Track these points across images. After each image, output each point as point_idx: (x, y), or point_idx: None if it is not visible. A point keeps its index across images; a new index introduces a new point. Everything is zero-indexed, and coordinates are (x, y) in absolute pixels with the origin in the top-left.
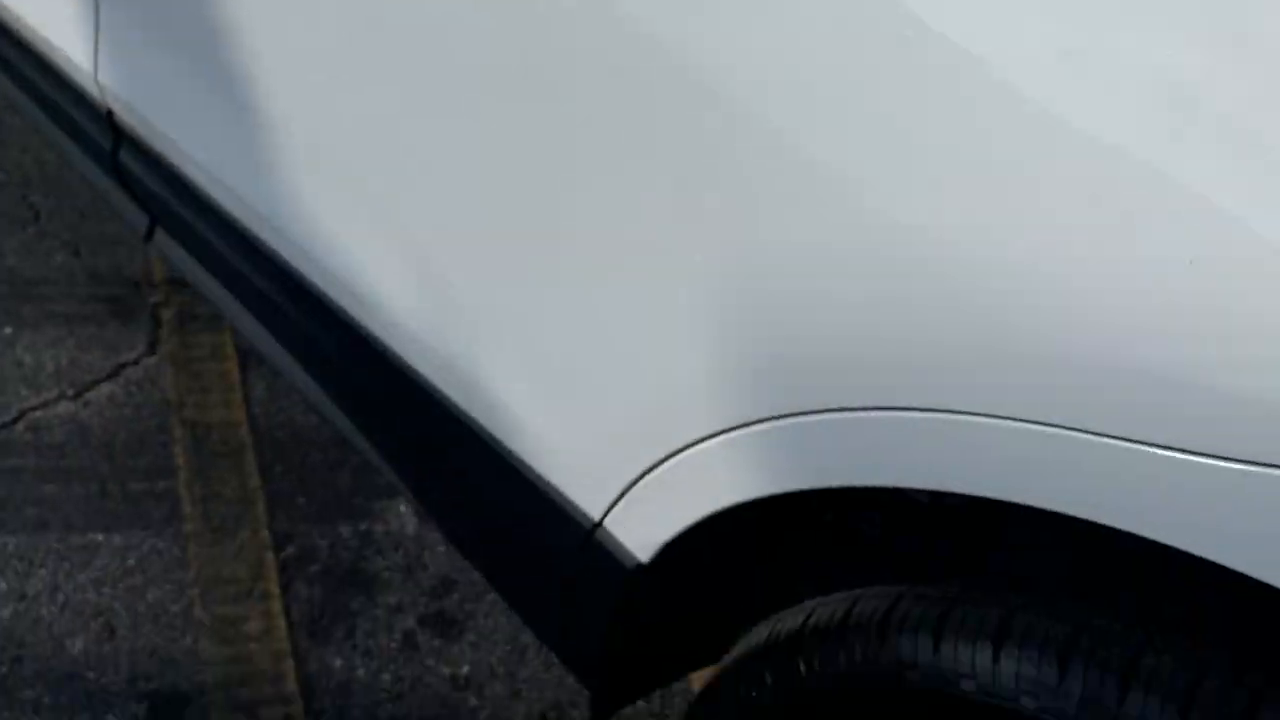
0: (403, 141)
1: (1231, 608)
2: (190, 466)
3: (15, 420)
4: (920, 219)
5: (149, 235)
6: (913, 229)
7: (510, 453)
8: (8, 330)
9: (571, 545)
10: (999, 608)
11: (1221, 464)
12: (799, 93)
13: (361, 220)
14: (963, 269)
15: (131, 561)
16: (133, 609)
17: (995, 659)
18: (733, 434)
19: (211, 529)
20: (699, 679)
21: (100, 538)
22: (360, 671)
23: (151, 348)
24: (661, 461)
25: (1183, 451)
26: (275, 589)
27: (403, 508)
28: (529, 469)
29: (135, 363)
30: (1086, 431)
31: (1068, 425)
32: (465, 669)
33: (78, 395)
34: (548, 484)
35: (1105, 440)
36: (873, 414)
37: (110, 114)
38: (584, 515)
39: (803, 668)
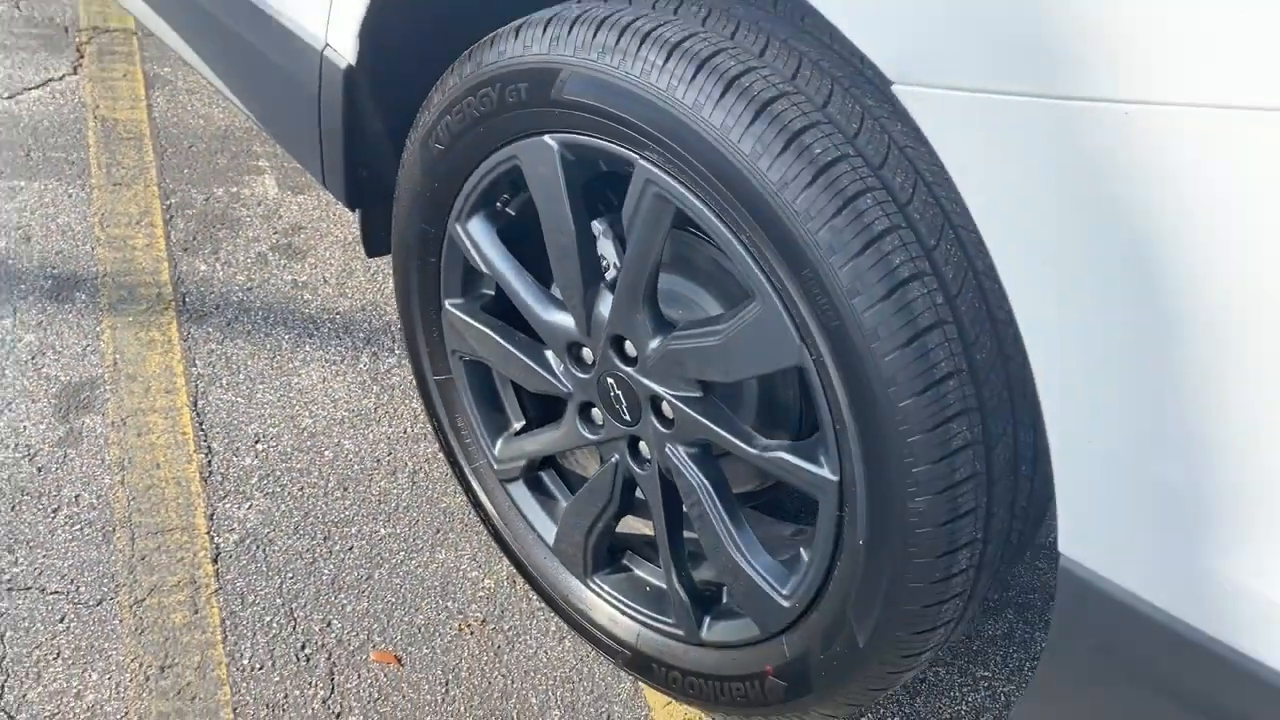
0: None
1: None
2: (99, 144)
3: None
4: None
5: None
6: None
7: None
8: None
9: (311, 68)
10: None
11: None
12: None
13: None
14: None
15: (48, 199)
16: (46, 227)
17: None
18: None
19: (112, 184)
20: None
21: (23, 184)
22: (220, 274)
23: (75, 69)
24: None
25: None
26: (159, 221)
27: (268, 179)
28: (278, 15)
29: (60, 79)
30: None
31: None
32: (304, 278)
33: (11, 97)
34: (292, 25)
35: None
36: None
37: None
38: (316, 39)
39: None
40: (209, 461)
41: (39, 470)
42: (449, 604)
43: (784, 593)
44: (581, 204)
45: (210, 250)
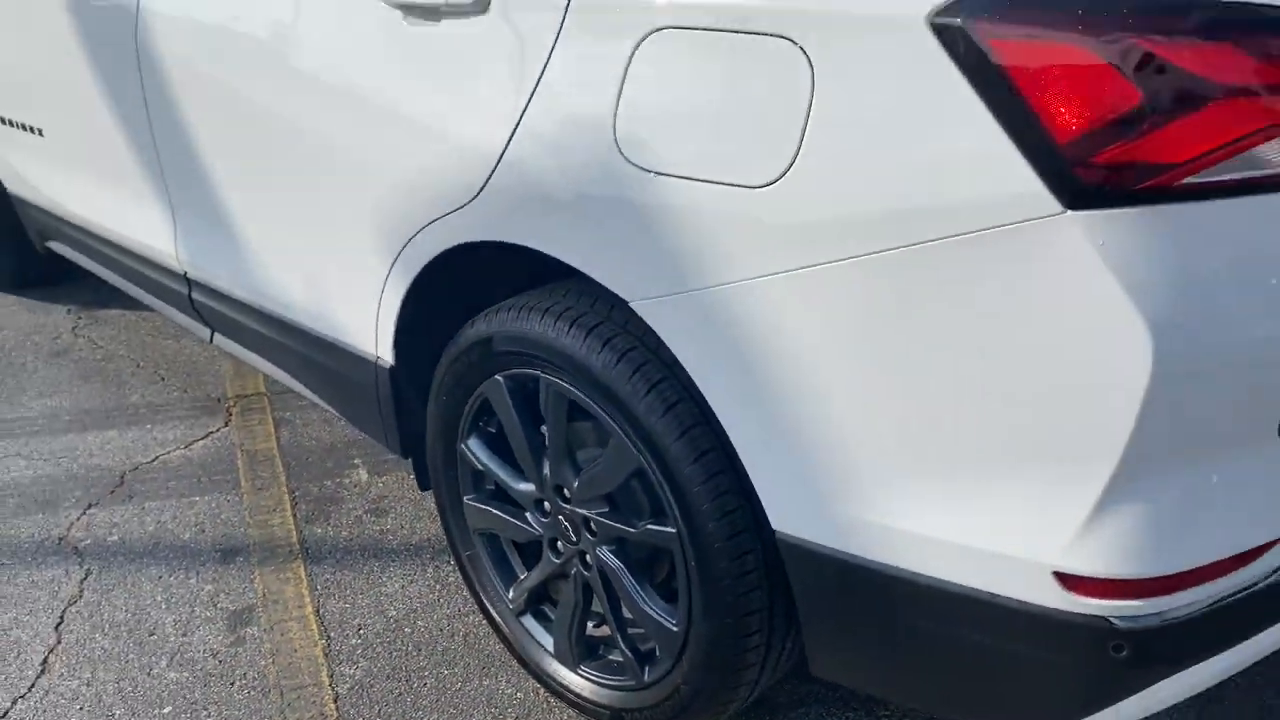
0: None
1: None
2: (245, 466)
3: (153, 460)
4: None
5: (211, 338)
6: None
7: (336, 340)
8: (151, 427)
9: (370, 372)
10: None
11: None
12: None
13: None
14: None
15: (214, 505)
16: (214, 520)
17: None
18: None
19: (255, 489)
20: None
21: (197, 499)
22: (331, 533)
23: (226, 423)
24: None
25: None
26: (289, 507)
27: (361, 470)
28: (345, 345)
29: (217, 431)
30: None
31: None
32: (388, 526)
33: (188, 446)
34: (358, 350)
35: None
36: None
37: (186, 273)
38: (371, 354)
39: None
40: (328, 644)
41: (220, 662)
42: (493, 710)
43: (674, 621)
44: (525, 410)
45: (323, 519)
